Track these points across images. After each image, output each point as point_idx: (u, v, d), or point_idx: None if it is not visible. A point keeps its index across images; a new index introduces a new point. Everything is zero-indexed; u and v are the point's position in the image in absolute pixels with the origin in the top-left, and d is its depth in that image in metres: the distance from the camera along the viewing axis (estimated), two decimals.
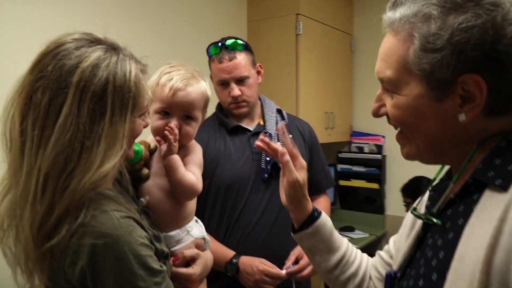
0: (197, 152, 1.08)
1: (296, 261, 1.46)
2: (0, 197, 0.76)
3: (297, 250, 1.48)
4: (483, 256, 0.55)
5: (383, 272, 0.90)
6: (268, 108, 1.65)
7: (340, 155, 3.17)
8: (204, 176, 1.50)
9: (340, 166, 3.16)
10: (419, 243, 0.73)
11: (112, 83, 0.75)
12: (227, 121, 1.58)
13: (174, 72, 1.02)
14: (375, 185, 3.01)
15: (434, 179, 0.78)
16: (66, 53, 0.74)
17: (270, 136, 1.55)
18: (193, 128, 1.04)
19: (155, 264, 0.78)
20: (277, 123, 1.62)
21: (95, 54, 0.75)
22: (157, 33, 2.19)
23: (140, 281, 0.74)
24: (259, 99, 1.68)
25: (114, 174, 0.81)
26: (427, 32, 0.61)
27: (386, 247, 0.94)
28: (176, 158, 0.99)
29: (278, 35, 2.59)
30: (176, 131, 0.98)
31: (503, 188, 0.58)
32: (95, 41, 0.78)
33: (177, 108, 1.01)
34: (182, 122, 1.02)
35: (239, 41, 1.53)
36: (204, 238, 1.11)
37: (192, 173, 1.02)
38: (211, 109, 1.67)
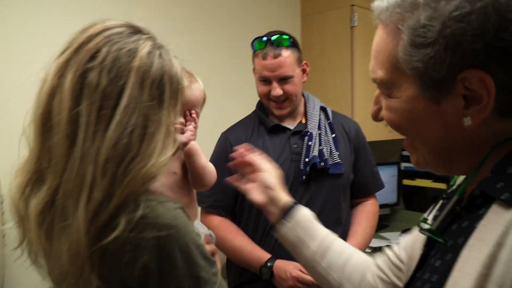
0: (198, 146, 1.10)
1: None
2: (27, 192, 0.70)
3: None
4: None
5: (388, 273, 0.82)
6: (311, 106, 1.58)
7: (404, 153, 2.97)
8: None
9: (403, 165, 2.96)
10: (423, 261, 0.64)
11: (167, 73, 0.74)
12: (267, 120, 1.54)
13: None
14: (442, 185, 2.78)
15: (451, 184, 0.68)
16: (121, 37, 0.71)
17: (311, 136, 1.49)
18: (197, 124, 1.07)
19: (209, 254, 0.75)
20: (320, 122, 1.55)
21: (148, 42, 0.74)
22: (205, 29, 2.22)
23: (203, 271, 0.71)
24: (303, 95, 1.61)
25: (169, 166, 0.78)
26: (416, 23, 0.52)
27: (396, 248, 0.85)
28: (198, 144, 1.02)
29: (332, 28, 2.49)
30: (197, 120, 1.03)
31: (509, 204, 0.49)
32: (141, 31, 0.76)
33: (184, 107, 1.02)
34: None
35: (286, 37, 1.45)
36: (210, 235, 1.12)
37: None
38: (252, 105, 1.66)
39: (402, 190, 3.00)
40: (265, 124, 1.54)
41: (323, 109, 1.60)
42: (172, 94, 0.75)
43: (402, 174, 2.97)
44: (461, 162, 0.58)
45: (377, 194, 1.72)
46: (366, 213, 1.62)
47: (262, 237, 1.46)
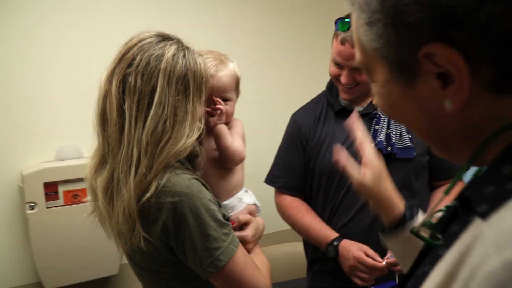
0: (238, 126, 1.19)
1: None
2: (96, 171, 0.92)
3: None
4: None
5: None
6: None
7: None
8: (308, 159, 1.54)
9: None
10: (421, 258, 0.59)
11: (191, 70, 0.91)
12: (334, 102, 1.54)
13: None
14: None
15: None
16: (151, 46, 0.90)
17: (379, 119, 1.45)
18: (230, 107, 1.15)
19: (221, 217, 0.92)
20: None
21: (173, 46, 0.92)
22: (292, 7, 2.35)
23: (212, 231, 0.88)
24: None
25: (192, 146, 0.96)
26: (361, 0, 0.47)
27: None
28: (224, 126, 1.12)
29: None
30: (223, 104, 1.11)
31: (482, 217, 0.40)
32: (169, 38, 0.94)
33: (214, 93, 1.11)
34: None
35: None
36: (255, 204, 1.21)
37: (237, 142, 1.15)
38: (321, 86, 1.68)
39: None
40: (333, 107, 1.54)
41: None
42: (196, 87, 0.92)
43: None
44: (460, 151, 0.49)
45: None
46: (449, 196, 1.52)
47: (329, 218, 1.50)
